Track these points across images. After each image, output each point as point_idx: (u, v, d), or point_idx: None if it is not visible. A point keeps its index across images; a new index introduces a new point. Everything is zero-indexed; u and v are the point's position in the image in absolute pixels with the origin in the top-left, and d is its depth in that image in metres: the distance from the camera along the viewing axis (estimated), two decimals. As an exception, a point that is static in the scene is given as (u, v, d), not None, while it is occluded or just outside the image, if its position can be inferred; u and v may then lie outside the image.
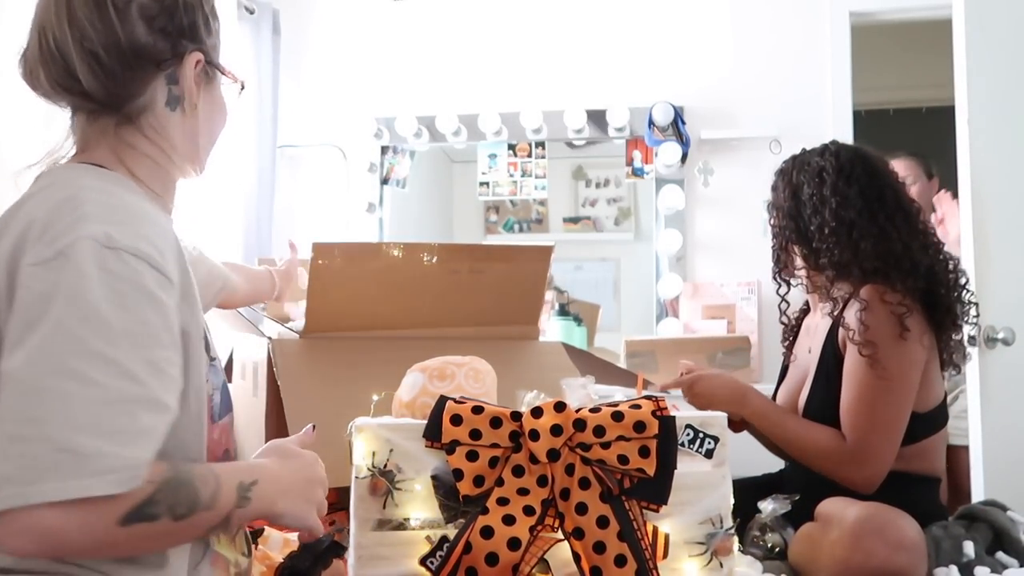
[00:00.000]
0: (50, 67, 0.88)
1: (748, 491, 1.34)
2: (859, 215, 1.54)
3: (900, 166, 2.82)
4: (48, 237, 0.77)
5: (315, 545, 1.04)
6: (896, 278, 1.48)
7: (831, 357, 1.53)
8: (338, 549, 1.11)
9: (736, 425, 1.55)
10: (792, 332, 1.77)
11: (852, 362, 1.47)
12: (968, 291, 1.55)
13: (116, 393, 0.73)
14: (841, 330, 1.50)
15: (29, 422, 0.70)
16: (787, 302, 1.72)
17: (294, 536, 1.13)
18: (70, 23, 0.86)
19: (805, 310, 1.77)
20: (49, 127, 1.02)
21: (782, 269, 1.67)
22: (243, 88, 1.10)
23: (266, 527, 1.22)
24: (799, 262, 1.63)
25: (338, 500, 1.61)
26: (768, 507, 1.41)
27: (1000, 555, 1.38)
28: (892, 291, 1.46)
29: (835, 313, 1.53)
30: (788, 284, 1.70)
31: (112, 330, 0.75)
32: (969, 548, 1.34)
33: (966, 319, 1.53)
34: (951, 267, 1.55)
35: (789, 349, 1.77)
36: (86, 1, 0.87)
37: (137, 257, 0.79)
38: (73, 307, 0.74)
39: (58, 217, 0.79)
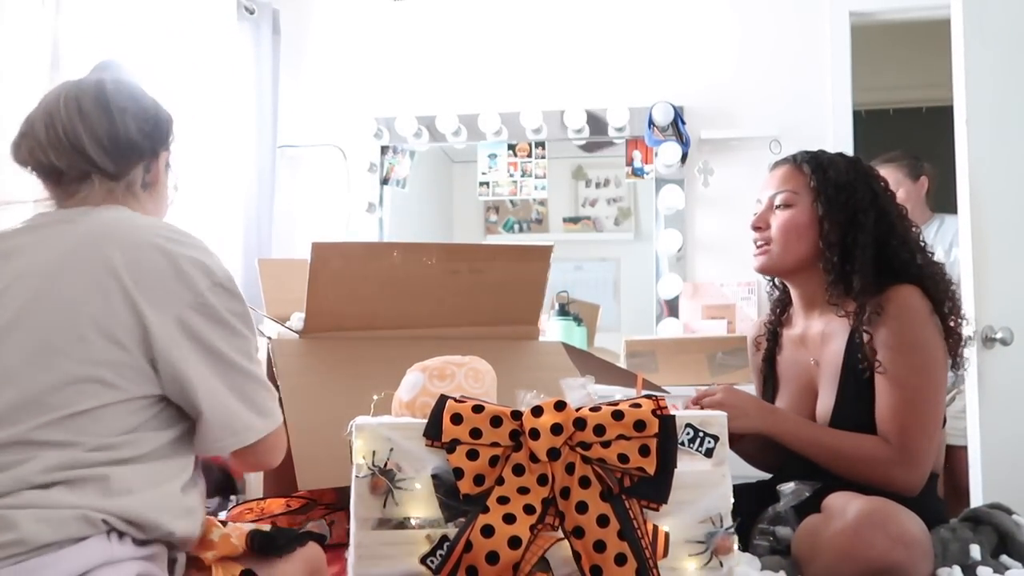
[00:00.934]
0: (60, 150, 1.13)
1: (747, 495, 1.34)
2: (893, 224, 1.55)
3: (883, 172, 2.82)
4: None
5: (290, 530, 1.19)
6: (927, 278, 1.50)
7: (856, 365, 1.50)
8: (318, 538, 1.24)
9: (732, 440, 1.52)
10: (770, 341, 1.74)
11: (892, 365, 1.46)
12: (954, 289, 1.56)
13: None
14: (867, 335, 1.48)
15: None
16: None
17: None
18: (81, 119, 1.14)
19: (779, 317, 1.74)
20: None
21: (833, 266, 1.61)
22: (176, 189, 1.38)
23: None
24: (844, 269, 1.55)
25: (337, 499, 1.62)
26: (790, 487, 1.41)
27: (1004, 558, 1.39)
28: (922, 297, 1.47)
29: (857, 321, 1.51)
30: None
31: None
32: (976, 551, 1.35)
33: (964, 320, 1.54)
34: (941, 270, 1.56)
35: (768, 360, 1.73)
36: (96, 104, 1.15)
37: None
38: None
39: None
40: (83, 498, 0.96)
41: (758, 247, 1.64)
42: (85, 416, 1.00)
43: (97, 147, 1.14)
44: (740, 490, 1.16)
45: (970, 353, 2.03)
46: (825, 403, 1.55)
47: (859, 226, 1.54)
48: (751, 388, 1.77)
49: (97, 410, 1.00)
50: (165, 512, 1.02)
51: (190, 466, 1.11)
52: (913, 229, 1.59)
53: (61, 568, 0.92)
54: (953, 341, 1.50)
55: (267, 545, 1.17)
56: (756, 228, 1.64)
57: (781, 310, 1.74)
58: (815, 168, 1.59)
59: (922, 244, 1.58)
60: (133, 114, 1.18)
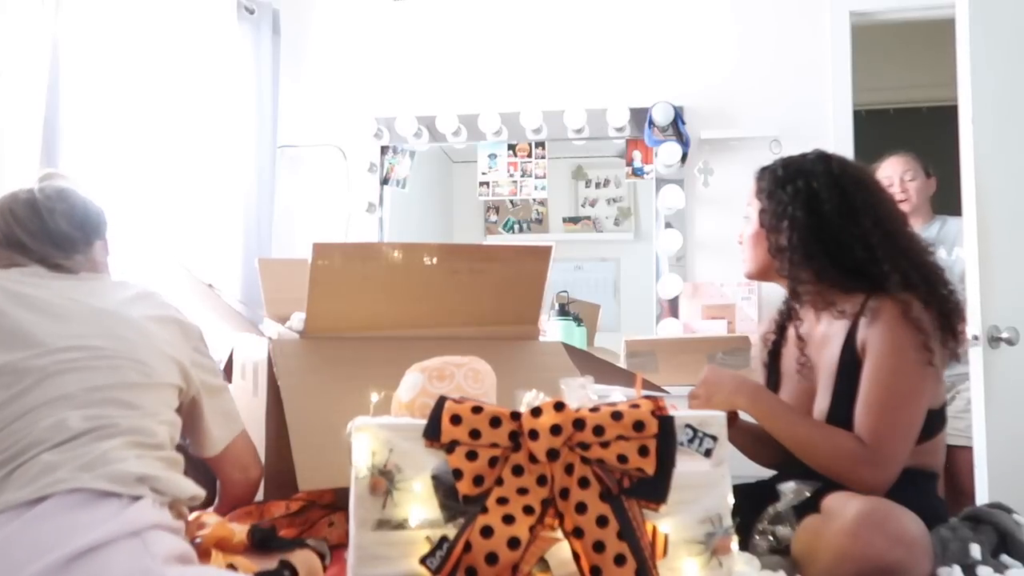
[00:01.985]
0: (13, 246, 1.38)
1: (747, 494, 1.34)
2: (875, 225, 1.53)
3: (900, 161, 2.82)
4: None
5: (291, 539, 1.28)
6: (915, 284, 1.49)
7: (852, 366, 1.51)
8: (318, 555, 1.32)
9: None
10: (775, 340, 1.75)
11: (875, 367, 1.46)
12: (953, 290, 1.55)
13: None
14: (860, 336, 1.49)
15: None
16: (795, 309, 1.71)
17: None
18: (16, 222, 1.38)
19: (785, 317, 1.75)
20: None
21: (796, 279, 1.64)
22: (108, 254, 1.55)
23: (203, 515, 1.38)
24: (803, 274, 1.59)
25: (335, 500, 1.61)
26: (791, 486, 1.41)
27: (1004, 557, 1.38)
28: (915, 299, 1.46)
29: (852, 322, 1.52)
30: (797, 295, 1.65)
31: None
32: (976, 551, 1.34)
33: (963, 318, 1.54)
34: (933, 263, 1.56)
35: (774, 357, 1.74)
36: (27, 208, 1.39)
37: None
38: None
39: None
40: None
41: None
42: None
43: (29, 238, 1.38)
44: (739, 490, 1.16)
45: (975, 353, 2.03)
46: (821, 403, 1.56)
47: (795, 228, 1.55)
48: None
49: None
50: None
51: None
52: (897, 229, 1.57)
53: None
54: (946, 344, 1.49)
55: (267, 539, 1.23)
56: (739, 242, 1.74)
57: (787, 311, 1.75)
58: (759, 178, 1.66)
59: (910, 242, 1.57)
60: (61, 212, 1.40)
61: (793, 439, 1.51)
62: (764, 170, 1.68)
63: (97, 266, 1.46)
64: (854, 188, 1.57)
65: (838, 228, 1.53)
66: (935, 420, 1.52)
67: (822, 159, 1.62)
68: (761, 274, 1.69)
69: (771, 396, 1.58)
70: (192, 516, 1.29)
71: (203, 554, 1.17)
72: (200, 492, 1.22)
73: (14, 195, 1.41)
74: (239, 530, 1.22)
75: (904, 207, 2.53)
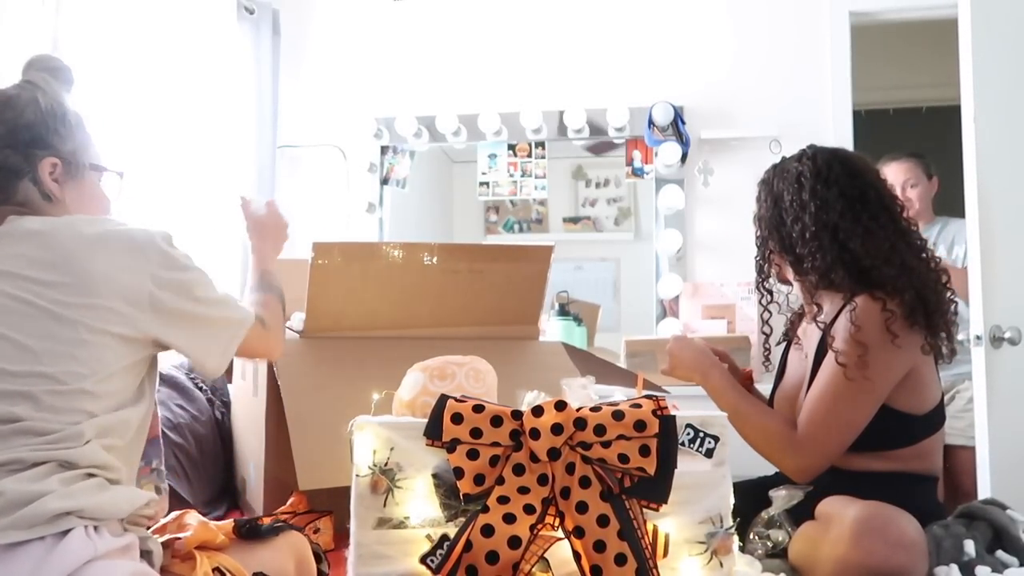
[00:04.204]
0: None
1: (746, 494, 1.34)
2: (841, 217, 1.52)
3: (901, 168, 2.82)
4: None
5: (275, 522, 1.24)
6: (887, 279, 1.47)
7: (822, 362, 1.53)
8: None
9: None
10: (789, 335, 1.78)
11: (827, 362, 1.49)
12: (950, 290, 1.54)
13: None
14: (832, 332, 1.50)
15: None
16: (770, 312, 1.72)
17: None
18: None
19: (800, 314, 1.77)
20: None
21: (765, 279, 1.68)
22: (122, 176, 1.33)
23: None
24: (790, 272, 1.62)
25: (314, 505, 1.60)
26: (781, 494, 1.41)
27: (1000, 554, 1.38)
28: (884, 298, 1.45)
29: (826, 319, 1.53)
30: (771, 294, 1.71)
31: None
32: (970, 547, 1.34)
33: (954, 317, 1.53)
34: (934, 265, 1.55)
35: (785, 351, 1.77)
36: None
37: None
38: None
39: None
40: None
41: None
42: None
43: None
44: (739, 488, 1.16)
45: (977, 353, 2.03)
46: (803, 397, 1.58)
47: (794, 232, 1.58)
48: (757, 387, 1.83)
49: None
50: None
51: None
52: (888, 227, 1.56)
53: None
54: (925, 345, 1.49)
55: (252, 531, 1.19)
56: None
57: (802, 308, 1.77)
58: (761, 184, 1.68)
59: (902, 239, 1.56)
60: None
61: (735, 416, 1.53)
62: (762, 180, 1.70)
63: (52, 192, 1.19)
64: (845, 185, 1.57)
65: (838, 227, 1.54)
66: (919, 426, 1.51)
67: (808, 160, 1.62)
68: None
69: (723, 374, 1.65)
70: (174, 515, 1.21)
71: (185, 556, 1.10)
72: (150, 496, 1.09)
73: None
74: (223, 527, 1.18)
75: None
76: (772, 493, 1.44)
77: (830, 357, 1.49)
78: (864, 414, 1.47)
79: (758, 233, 1.67)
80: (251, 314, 1.27)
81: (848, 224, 1.52)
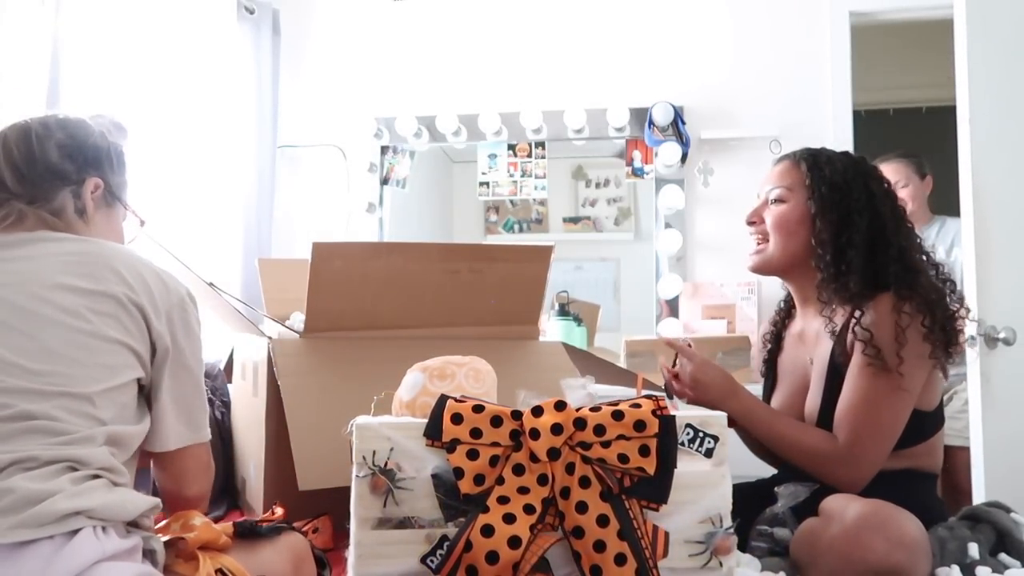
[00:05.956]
0: None
1: (746, 494, 1.34)
2: (885, 226, 1.54)
3: (890, 170, 2.82)
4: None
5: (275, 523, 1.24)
6: (912, 286, 1.48)
7: (842, 365, 1.51)
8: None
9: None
10: (774, 339, 1.75)
11: (859, 366, 1.47)
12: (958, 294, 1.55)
13: None
14: (850, 335, 1.49)
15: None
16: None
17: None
18: (3, 148, 1.23)
19: (784, 316, 1.75)
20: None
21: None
22: (143, 224, 1.41)
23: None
24: (834, 270, 1.57)
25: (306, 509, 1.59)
26: (787, 491, 1.41)
27: (1002, 556, 1.38)
28: (909, 301, 1.46)
29: (847, 320, 1.52)
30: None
31: None
32: (974, 550, 1.34)
33: (963, 320, 1.53)
34: (941, 272, 1.55)
35: (772, 356, 1.74)
36: (18, 134, 1.24)
37: None
38: None
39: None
40: None
41: (756, 244, 1.65)
42: None
43: (10, 172, 1.22)
44: (738, 490, 1.16)
45: (972, 353, 2.03)
46: (813, 401, 1.56)
47: (852, 226, 1.53)
48: (754, 388, 1.78)
49: None
50: None
51: None
52: (916, 237, 1.57)
53: None
54: (942, 350, 1.49)
55: (251, 531, 1.19)
56: (750, 223, 1.66)
57: (786, 309, 1.75)
58: (812, 165, 1.60)
59: (922, 250, 1.57)
60: (57, 141, 1.25)
61: (773, 440, 1.52)
62: (812, 155, 1.62)
63: (91, 213, 1.26)
64: (888, 196, 1.59)
65: (888, 233, 1.53)
66: (929, 422, 1.51)
67: (866, 163, 1.62)
68: (786, 264, 1.61)
69: (748, 400, 1.58)
70: (178, 514, 1.20)
71: (189, 556, 1.10)
72: (155, 501, 1.09)
73: (13, 124, 1.26)
74: (223, 528, 1.18)
75: None
76: (777, 489, 1.43)
77: (858, 363, 1.47)
78: (906, 415, 1.46)
79: (818, 225, 1.55)
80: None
81: (886, 235, 1.53)
